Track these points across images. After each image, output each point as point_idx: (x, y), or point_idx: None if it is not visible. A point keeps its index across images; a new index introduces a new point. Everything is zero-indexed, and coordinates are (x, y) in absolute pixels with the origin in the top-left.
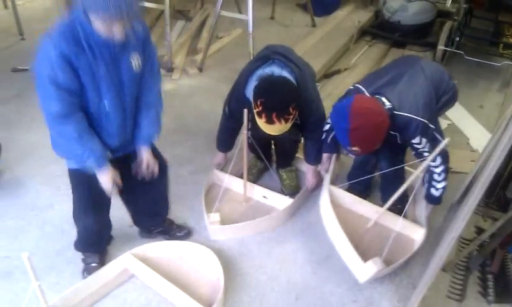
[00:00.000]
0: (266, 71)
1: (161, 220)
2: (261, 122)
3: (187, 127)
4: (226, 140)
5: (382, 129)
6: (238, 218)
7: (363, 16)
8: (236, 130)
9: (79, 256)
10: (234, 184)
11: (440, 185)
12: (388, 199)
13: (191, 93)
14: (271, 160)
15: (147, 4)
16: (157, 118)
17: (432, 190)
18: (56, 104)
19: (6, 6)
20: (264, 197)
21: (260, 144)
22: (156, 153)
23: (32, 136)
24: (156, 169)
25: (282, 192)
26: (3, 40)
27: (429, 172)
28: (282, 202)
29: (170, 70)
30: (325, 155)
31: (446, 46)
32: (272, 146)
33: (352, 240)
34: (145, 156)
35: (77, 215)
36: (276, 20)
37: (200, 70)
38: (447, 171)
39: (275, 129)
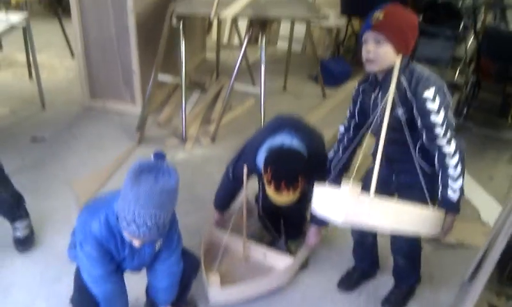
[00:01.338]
0: (276, 142)
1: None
2: (270, 190)
3: (199, 197)
4: (225, 200)
5: (414, 25)
6: (237, 278)
7: None
8: (237, 191)
9: None
10: (233, 242)
11: (456, 185)
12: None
13: (203, 163)
14: (281, 233)
15: (164, 78)
16: (175, 283)
17: (449, 192)
18: (95, 269)
19: (31, 77)
20: (264, 255)
21: (270, 217)
22: (187, 253)
23: (47, 206)
24: None
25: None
26: (25, 110)
27: (442, 167)
28: (283, 261)
29: (184, 140)
30: None
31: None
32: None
33: None
34: None
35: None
36: (288, 90)
37: (213, 139)
38: (463, 162)
39: (283, 198)
